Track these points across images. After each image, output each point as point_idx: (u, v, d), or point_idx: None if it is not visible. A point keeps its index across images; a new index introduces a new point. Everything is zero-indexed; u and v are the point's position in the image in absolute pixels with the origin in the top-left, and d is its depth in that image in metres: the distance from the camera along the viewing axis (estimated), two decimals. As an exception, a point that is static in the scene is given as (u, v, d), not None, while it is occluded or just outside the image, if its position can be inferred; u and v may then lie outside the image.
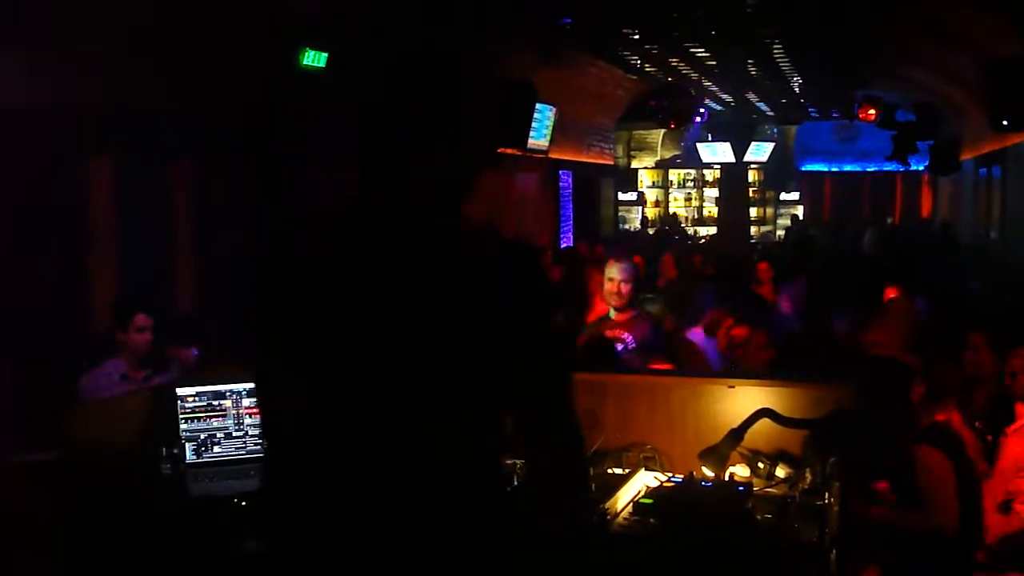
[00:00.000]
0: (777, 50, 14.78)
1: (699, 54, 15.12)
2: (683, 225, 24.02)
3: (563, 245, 18.01)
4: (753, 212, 24.17)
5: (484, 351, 2.18)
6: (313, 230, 2.29)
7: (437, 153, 2.24)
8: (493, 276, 2.22)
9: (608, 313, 6.20)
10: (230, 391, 4.18)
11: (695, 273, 10.28)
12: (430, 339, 2.15)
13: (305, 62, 8.56)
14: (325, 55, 8.64)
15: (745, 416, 3.76)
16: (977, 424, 5.22)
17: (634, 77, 17.12)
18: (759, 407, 3.78)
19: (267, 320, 2.25)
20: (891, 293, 8.68)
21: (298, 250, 2.26)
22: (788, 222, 23.56)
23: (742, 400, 3.97)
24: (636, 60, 15.62)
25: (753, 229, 23.69)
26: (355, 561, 2.17)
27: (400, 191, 2.23)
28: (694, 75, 17.04)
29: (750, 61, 15.66)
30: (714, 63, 15.89)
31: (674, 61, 15.82)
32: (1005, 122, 11.13)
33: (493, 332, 2.18)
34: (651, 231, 22.90)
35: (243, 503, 3.74)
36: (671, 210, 24.50)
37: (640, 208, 24.18)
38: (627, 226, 23.47)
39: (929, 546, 4.42)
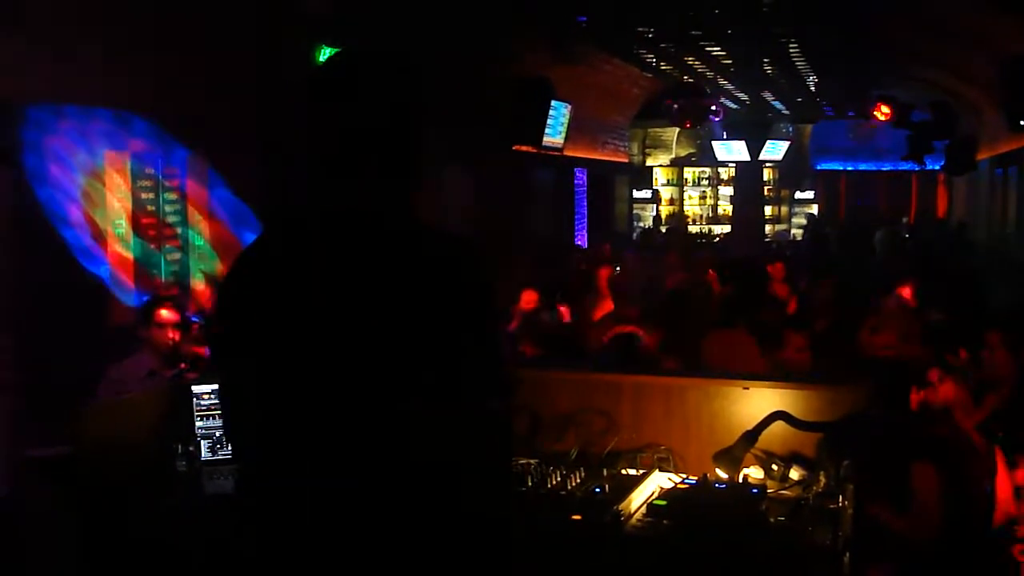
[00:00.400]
0: (793, 49, 14.76)
1: (715, 53, 15.10)
2: (695, 223, 23.99)
3: (578, 243, 18.02)
4: (768, 211, 24.10)
5: (425, 349, 2.18)
6: (270, 239, 2.38)
7: (390, 154, 2.28)
8: (433, 275, 2.22)
9: (613, 310, 6.24)
10: (245, 389, 4.19)
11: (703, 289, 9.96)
12: (374, 341, 2.17)
13: (322, 59, 8.58)
14: (340, 53, 8.65)
15: (759, 418, 3.76)
16: (999, 433, 5.16)
17: (649, 75, 17.09)
18: (773, 409, 3.78)
19: (227, 330, 2.34)
20: (904, 293, 8.68)
21: (253, 260, 2.34)
22: (804, 220, 23.51)
23: (757, 402, 3.97)
24: (651, 58, 15.60)
25: (768, 228, 23.63)
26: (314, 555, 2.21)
27: (350, 193, 2.28)
28: (710, 73, 17.00)
29: (766, 60, 15.62)
30: (730, 62, 15.86)
31: (690, 59, 15.79)
32: (1022, 122, 11.10)
33: (434, 331, 2.19)
34: (664, 229, 22.85)
35: (258, 501, 3.76)
36: (686, 208, 24.46)
37: (655, 206, 24.16)
38: (642, 224, 23.44)
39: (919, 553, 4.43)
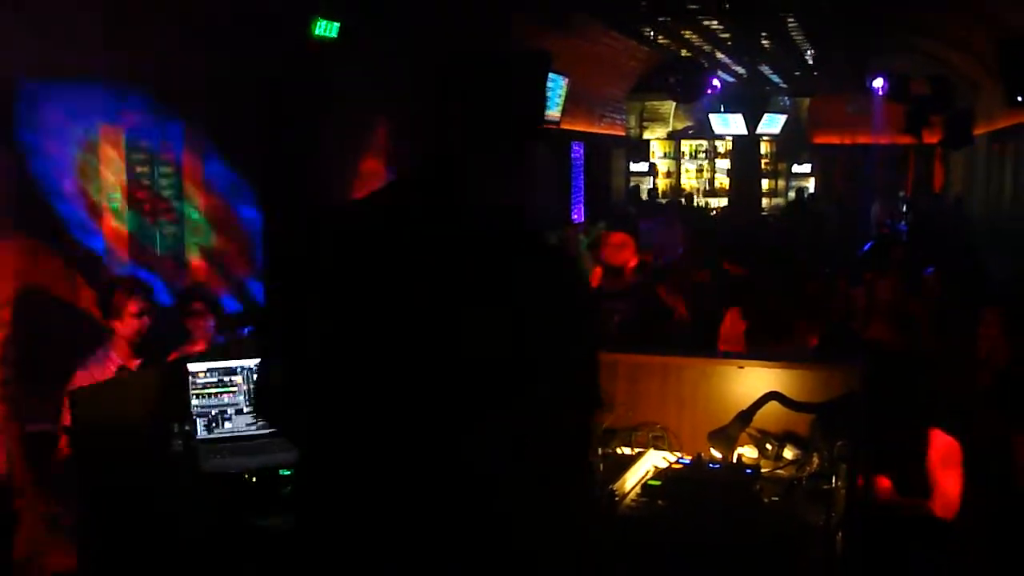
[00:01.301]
0: (790, 22, 14.70)
1: (712, 26, 15.04)
2: (692, 196, 23.94)
3: (574, 216, 18.00)
4: (765, 184, 24.10)
5: (531, 360, 2.13)
6: (353, 222, 2.24)
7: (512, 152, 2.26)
8: (551, 283, 2.19)
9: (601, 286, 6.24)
10: (241, 367, 4.19)
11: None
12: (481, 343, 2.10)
13: (317, 32, 8.54)
14: (337, 25, 8.62)
15: (755, 397, 3.77)
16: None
17: (647, 48, 17.04)
18: (768, 389, 3.79)
19: (302, 313, 2.19)
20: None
21: (355, 230, 2.21)
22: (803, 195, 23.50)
23: (752, 381, 3.97)
24: (649, 32, 15.55)
25: (765, 201, 23.63)
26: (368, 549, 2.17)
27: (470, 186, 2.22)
28: (707, 47, 16.96)
29: (763, 33, 15.57)
30: (727, 35, 15.81)
31: (687, 33, 15.74)
32: (1020, 97, 11.08)
33: (543, 342, 2.14)
34: (663, 202, 22.83)
35: (254, 479, 3.77)
36: (683, 181, 24.44)
37: (651, 179, 24.14)
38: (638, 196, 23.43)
39: (927, 534, 4.44)
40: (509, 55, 2.34)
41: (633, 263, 6.28)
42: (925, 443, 4.52)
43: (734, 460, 3.73)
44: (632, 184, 23.76)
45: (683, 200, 23.00)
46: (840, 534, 3.29)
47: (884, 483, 4.50)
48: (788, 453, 3.81)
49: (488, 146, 2.25)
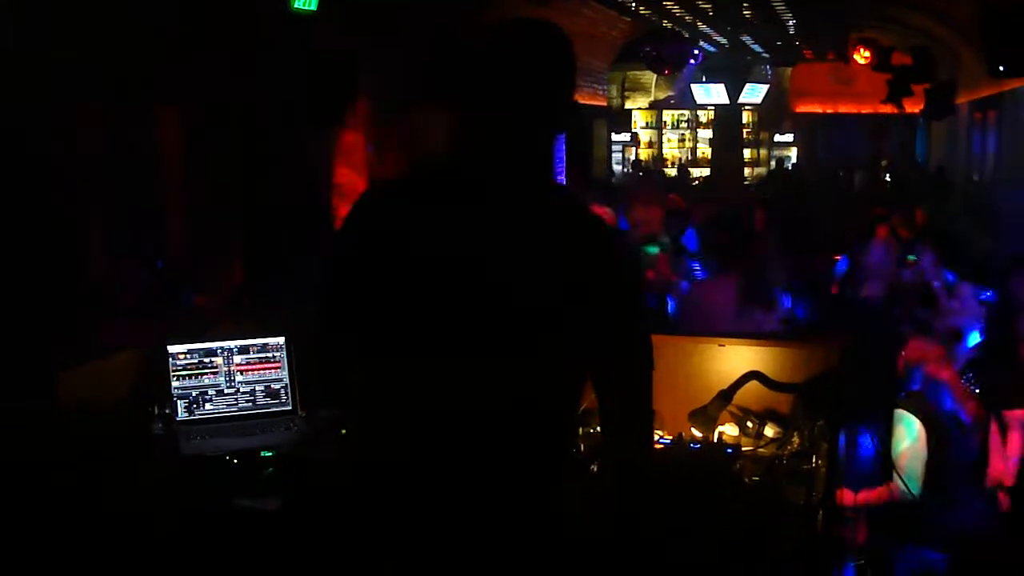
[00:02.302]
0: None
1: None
2: (674, 166, 23.93)
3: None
4: (747, 154, 24.10)
5: (570, 325, 2.23)
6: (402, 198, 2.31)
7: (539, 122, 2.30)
8: (599, 248, 2.29)
9: None
10: (221, 348, 4.18)
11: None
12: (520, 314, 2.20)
13: (296, 5, 8.46)
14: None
15: (736, 375, 3.77)
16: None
17: (628, 19, 16.98)
18: (749, 367, 3.79)
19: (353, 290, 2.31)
20: (881, 232, 8.75)
21: (404, 198, 2.30)
22: (783, 164, 23.53)
23: (733, 359, 3.97)
24: (630, 3, 15.49)
25: (747, 171, 23.64)
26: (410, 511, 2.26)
27: (498, 161, 2.28)
28: (688, 17, 16.90)
29: (745, 3, 15.53)
30: (708, 5, 15.76)
31: (668, 3, 15.68)
32: (1002, 67, 11.07)
33: (581, 309, 2.22)
34: (642, 174, 22.83)
35: (235, 460, 3.76)
36: (665, 151, 24.43)
37: (634, 149, 24.12)
38: (620, 167, 23.43)
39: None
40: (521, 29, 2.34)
41: None
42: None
43: (715, 439, 3.74)
44: (616, 153, 23.73)
45: (672, 168, 22.97)
46: (821, 513, 3.31)
47: None
48: (769, 431, 3.81)
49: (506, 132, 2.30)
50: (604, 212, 6.35)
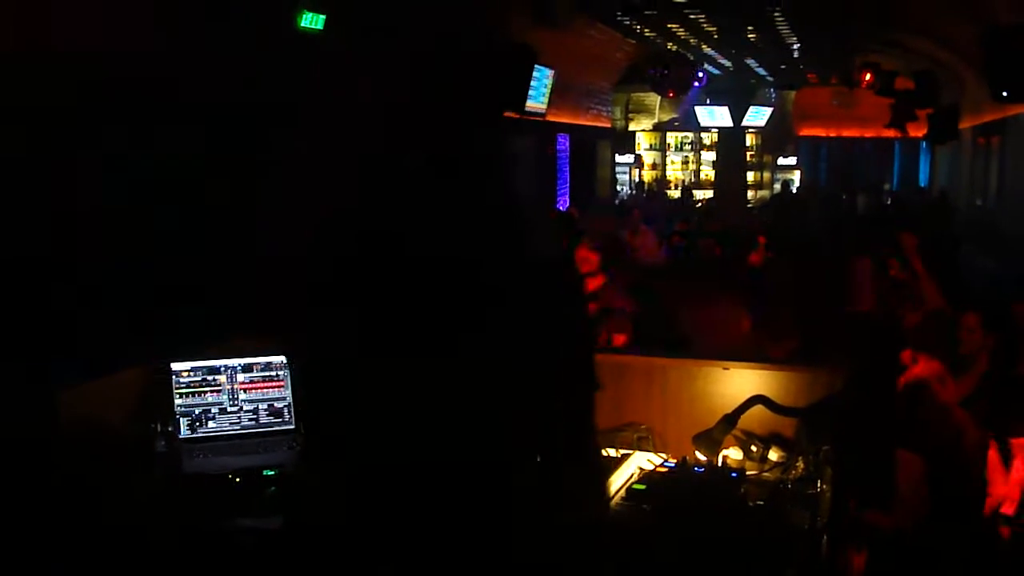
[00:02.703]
0: (776, 15, 14.69)
1: (698, 19, 15.02)
2: (677, 188, 23.96)
3: (559, 206, 17.98)
4: (750, 176, 24.13)
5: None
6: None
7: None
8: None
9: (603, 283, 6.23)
10: (224, 366, 4.17)
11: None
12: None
13: (303, 24, 8.49)
14: (323, 17, 8.58)
15: (740, 398, 3.76)
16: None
17: (633, 41, 17.02)
18: (754, 391, 3.78)
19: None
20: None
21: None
22: (788, 187, 23.54)
23: (737, 382, 3.97)
24: (635, 25, 15.52)
25: (750, 193, 23.66)
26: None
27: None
28: (693, 40, 16.93)
29: (749, 26, 15.56)
30: (713, 28, 15.79)
31: (673, 26, 15.71)
32: (1005, 93, 11.07)
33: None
34: (646, 195, 22.85)
35: (237, 479, 3.74)
36: (668, 173, 24.46)
37: (638, 171, 24.14)
38: (624, 189, 23.45)
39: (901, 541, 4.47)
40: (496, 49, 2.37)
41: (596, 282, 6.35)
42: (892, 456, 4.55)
43: (719, 463, 3.73)
44: (621, 175, 23.75)
45: (675, 189, 23.01)
46: (825, 538, 3.29)
47: None
48: (773, 455, 3.80)
49: (474, 140, 2.34)
50: (588, 255, 6.40)
